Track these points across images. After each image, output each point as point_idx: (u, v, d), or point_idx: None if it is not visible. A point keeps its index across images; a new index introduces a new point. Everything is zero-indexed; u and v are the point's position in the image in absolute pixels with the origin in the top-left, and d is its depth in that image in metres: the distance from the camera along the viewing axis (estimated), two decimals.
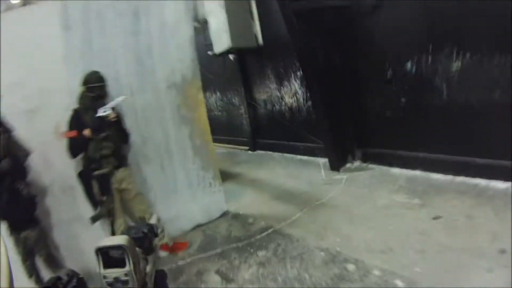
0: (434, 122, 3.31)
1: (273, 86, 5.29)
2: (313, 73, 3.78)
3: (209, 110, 7.76)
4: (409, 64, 3.36)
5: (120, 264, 0.62)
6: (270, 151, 5.90)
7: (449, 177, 3.17)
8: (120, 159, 2.67)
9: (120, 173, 2.65)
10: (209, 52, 5.62)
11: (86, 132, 2.47)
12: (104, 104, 2.53)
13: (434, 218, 2.57)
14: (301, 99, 4.83)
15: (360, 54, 3.82)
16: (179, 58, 3.12)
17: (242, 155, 6.32)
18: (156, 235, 0.84)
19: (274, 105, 5.44)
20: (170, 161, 3.14)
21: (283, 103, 5.21)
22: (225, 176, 4.88)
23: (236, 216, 3.50)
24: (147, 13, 3.00)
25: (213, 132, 7.92)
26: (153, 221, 0.88)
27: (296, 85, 4.82)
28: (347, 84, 4.09)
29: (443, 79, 3.11)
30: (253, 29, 5.11)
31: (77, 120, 2.53)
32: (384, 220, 2.74)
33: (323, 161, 4.64)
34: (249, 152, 6.35)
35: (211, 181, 3.45)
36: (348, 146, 4.24)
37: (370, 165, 4.07)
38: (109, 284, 0.62)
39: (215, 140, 7.86)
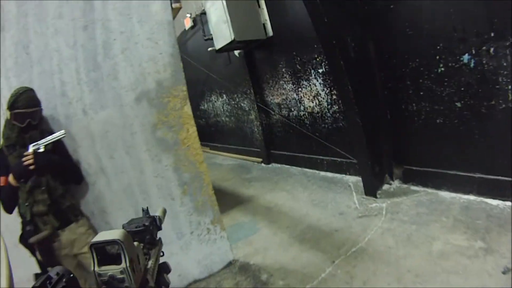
0: (495, 133, 2.39)
1: (289, 86, 4.35)
2: (344, 69, 2.82)
3: (216, 116, 6.97)
4: (466, 57, 2.39)
5: (117, 260, 0.56)
6: (287, 164, 5.00)
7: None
8: (65, 215, 1.86)
9: (67, 234, 1.85)
10: (209, 48, 4.75)
11: (10, 179, 1.70)
12: (38, 138, 1.75)
13: (504, 273, 1.76)
14: (325, 103, 3.88)
15: (400, 45, 2.84)
16: (152, 55, 2.18)
17: (254, 169, 5.43)
18: (159, 228, 0.79)
19: (291, 110, 4.51)
20: (148, 204, 2.24)
21: (302, 107, 4.28)
22: (234, 201, 4.07)
23: (245, 268, 2.63)
24: None
25: (221, 140, 7.29)
26: (158, 213, 0.83)
27: (317, 85, 3.88)
28: (384, 84, 3.12)
29: (510, 77, 2.20)
30: (260, 17, 4.18)
31: (1, 161, 1.77)
32: (443, 277, 1.88)
33: (353, 179, 3.71)
34: (263, 165, 5.47)
35: (209, 226, 2.57)
36: (385, 163, 3.28)
37: (413, 187, 3.12)
38: (105, 282, 0.56)
39: (224, 150, 7.16)
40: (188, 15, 5.33)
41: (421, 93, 2.87)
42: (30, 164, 1.65)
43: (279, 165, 5.17)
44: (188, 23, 5.57)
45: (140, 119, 2.21)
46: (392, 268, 2.10)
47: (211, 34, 4.44)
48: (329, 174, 4.14)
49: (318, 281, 2.22)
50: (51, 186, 1.79)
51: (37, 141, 1.72)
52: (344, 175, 3.94)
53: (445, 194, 2.80)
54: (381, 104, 3.20)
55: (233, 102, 6.01)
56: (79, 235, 1.89)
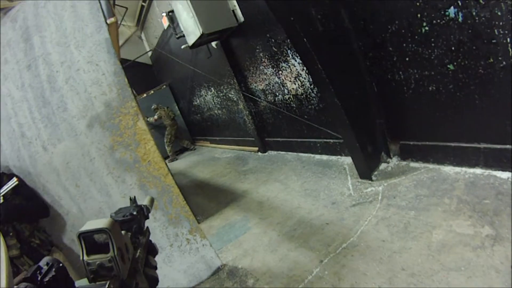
0: (498, 96, 1.97)
1: (269, 71, 3.97)
2: (309, 45, 2.42)
3: (208, 109, 6.67)
4: (452, 10, 1.94)
5: (105, 249, 0.55)
6: (282, 151, 4.68)
7: None
8: (37, 251, 1.85)
9: None
10: (183, 46, 4.39)
11: None
12: None
13: None
14: (307, 83, 3.50)
15: (375, 7, 2.41)
16: (95, 78, 1.97)
17: (251, 159, 5.14)
18: (146, 217, 0.77)
19: (276, 95, 4.14)
20: None
21: (286, 90, 3.90)
22: (229, 198, 3.83)
23: (233, 273, 2.39)
24: (40, 30, 1.97)
25: (218, 133, 7.00)
26: (145, 202, 0.83)
27: (296, 65, 3.48)
28: (365, 54, 2.71)
29: (508, 29, 1.75)
30: (228, 5, 3.77)
31: None
32: (442, 276, 1.55)
33: (348, 161, 3.35)
34: (259, 154, 5.17)
35: (188, 236, 2.33)
36: (379, 140, 2.91)
37: (412, 164, 2.74)
38: (93, 271, 0.54)
39: (222, 142, 6.89)
40: (164, 14, 4.96)
41: (407, 58, 2.45)
42: None
43: (275, 153, 4.86)
44: (165, 22, 5.20)
45: (96, 144, 2.04)
46: (384, 267, 1.80)
47: (182, 31, 4.07)
48: (324, 157, 3.80)
49: (304, 285, 1.96)
50: (18, 229, 1.81)
51: None
52: (339, 157, 3.60)
53: (448, 170, 2.42)
54: (365, 76, 2.80)
55: (221, 94, 5.68)
56: None
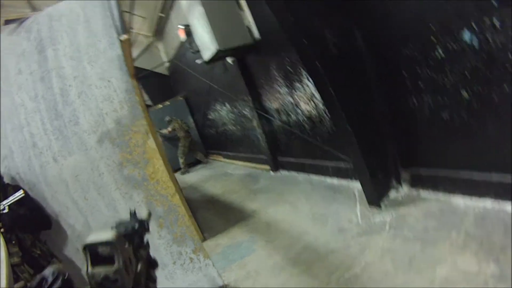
0: None
1: (283, 90, 4.13)
2: (322, 69, 2.55)
3: (223, 124, 6.88)
4: (467, 35, 2.01)
5: (108, 262, 0.56)
6: (294, 171, 4.77)
7: None
8: (37, 261, 1.96)
9: None
10: (198, 61, 4.65)
11: None
12: (2, 199, 1.95)
13: None
14: (321, 105, 3.60)
15: (387, 29, 2.51)
16: (106, 94, 2.15)
17: (262, 178, 5.26)
18: (147, 230, 0.79)
19: (289, 115, 4.27)
20: None
21: (299, 111, 4.03)
22: (237, 217, 3.95)
23: None
24: (54, 43, 2.17)
25: (232, 148, 7.18)
26: (144, 216, 0.84)
27: (310, 86, 3.61)
28: (379, 77, 2.80)
29: None
30: (243, 21, 3.99)
31: None
32: None
33: (359, 187, 3.39)
34: (271, 173, 5.28)
35: (192, 255, 2.46)
36: (390, 167, 2.96)
37: (423, 192, 2.76)
38: (98, 283, 0.55)
39: (235, 158, 7.05)
40: (182, 27, 5.28)
41: (421, 84, 2.51)
42: None
43: (287, 173, 4.95)
44: (182, 34, 5.52)
45: (105, 160, 2.20)
46: None
47: (198, 46, 4.33)
48: (335, 181, 3.86)
49: None
50: (21, 238, 1.94)
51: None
52: (350, 181, 3.64)
53: (458, 201, 2.44)
54: (379, 100, 2.89)
55: (236, 110, 5.88)
56: None
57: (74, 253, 2.29)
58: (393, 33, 2.49)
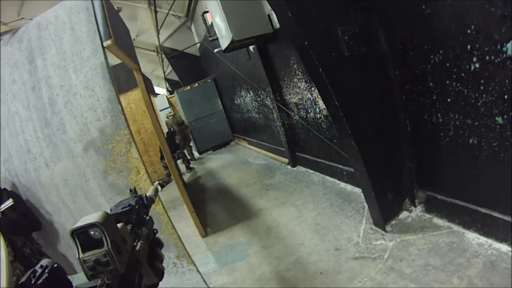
0: None
1: (303, 85, 3.88)
2: (326, 76, 2.30)
3: (247, 111, 6.80)
4: (511, 47, 1.65)
5: (101, 245, 0.55)
6: (311, 169, 4.58)
7: None
8: (28, 260, 2.19)
9: None
10: (216, 50, 4.52)
11: None
12: None
13: None
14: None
15: (417, 30, 2.16)
16: (90, 103, 2.16)
17: (279, 172, 5.14)
18: (146, 206, 0.79)
19: (308, 112, 4.04)
20: None
21: (317, 109, 3.79)
22: (243, 214, 3.94)
23: None
24: (42, 53, 2.21)
25: (255, 135, 7.08)
26: (149, 192, 0.84)
27: None
28: (402, 85, 2.48)
29: None
30: (263, 8, 3.75)
31: None
32: None
33: None
34: (288, 167, 5.14)
35: (175, 260, 2.49)
36: (405, 186, 2.68)
37: (436, 219, 2.49)
38: (90, 268, 0.55)
39: (258, 146, 6.96)
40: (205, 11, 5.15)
41: (448, 99, 2.17)
42: None
43: (303, 169, 4.78)
44: (210, 18, 5.40)
45: (91, 167, 2.26)
46: None
47: (215, 34, 4.19)
48: (349, 187, 3.63)
49: None
50: (13, 240, 2.17)
51: None
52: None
53: (472, 238, 2.15)
54: (399, 112, 2.59)
55: (259, 99, 5.73)
56: None
57: (66, 249, 2.47)
58: (423, 36, 2.14)
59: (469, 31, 1.85)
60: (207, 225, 4.05)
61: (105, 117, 2.14)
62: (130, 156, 2.16)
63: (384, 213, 2.59)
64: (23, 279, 0.49)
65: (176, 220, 4.38)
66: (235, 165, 6.69)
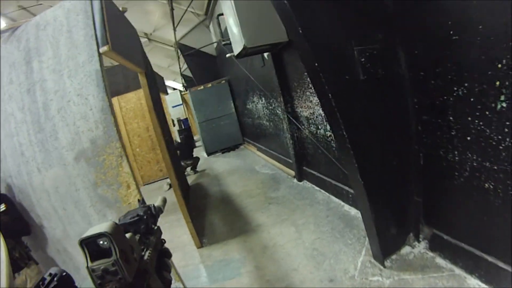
0: None
1: (315, 100, 3.78)
2: (335, 103, 2.20)
3: (258, 118, 6.73)
4: None
5: (110, 254, 0.58)
6: (317, 186, 4.48)
7: None
8: (16, 262, 2.23)
9: (21, 277, 2.22)
10: (228, 55, 4.47)
11: None
12: None
13: None
14: None
15: (441, 57, 2.02)
16: (83, 112, 2.12)
17: (284, 185, 5.06)
18: (155, 216, 0.81)
19: (318, 128, 3.94)
20: None
21: (328, 126, 3.68)
22: (241, 229, 3.89)
23: None
24: (39, 55, 2.19)
25: (265, 143, 7.00)
26: (157, 202, 0.87)
27: None
28: (418, 115, 2.36)
29: None
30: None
31: None
32: None
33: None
34: (294, 181, 5.04)
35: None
36: (410, 220, 2.56)
37: (439, 260, 2.37)
38: (99, 277, 0.57)
39: (267, 154, 6.89)
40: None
41: (468, 137, 2.02)
42: None
43: (309, 185, 4.68)
44: (225, 21, 5.36)
45: (81, 177, 2.24)
46: None
47: (229, 38, 4.13)
48: (353, 211, 3.52)
49: None
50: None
51: None
52: None
53: (473, 284, 2.06)
54: (412, 143, 2.46)
55: (270, 107, 5.65)
56: (30, 278, 2.24)
57: (55, 253, 2.49)
58: (448, 64, 1.98)
59: (499, 66, 1.70)
60: (204, 235, 4.00)
61: (97, 127, 2.11)
62: (121, 170, 2.13)
63: (384, 248, 2.49)
64: (32, 287, 0.52)
65: (174, 225, 4.38)
66: (241, 172, 6.63)
